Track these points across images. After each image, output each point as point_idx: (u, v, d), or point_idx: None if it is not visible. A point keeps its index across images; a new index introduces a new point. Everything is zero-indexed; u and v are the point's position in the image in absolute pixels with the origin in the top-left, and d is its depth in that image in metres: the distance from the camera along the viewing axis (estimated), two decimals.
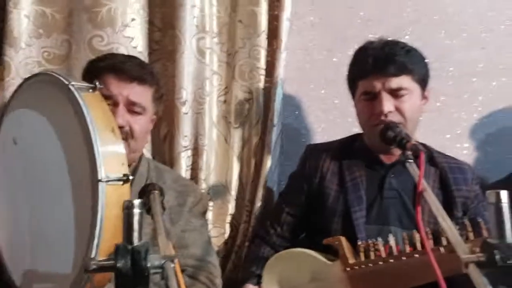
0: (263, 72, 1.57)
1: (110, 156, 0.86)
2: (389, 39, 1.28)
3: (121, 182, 0.84)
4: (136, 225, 0.66)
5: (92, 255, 0.80)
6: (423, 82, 1.26)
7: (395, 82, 1.21)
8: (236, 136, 1.58)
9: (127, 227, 0.66)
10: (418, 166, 0.99)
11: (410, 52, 1.24)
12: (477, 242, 1.01)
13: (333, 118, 1.78)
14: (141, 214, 0.66)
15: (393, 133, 1.15)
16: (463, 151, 1.72)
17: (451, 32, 1.83)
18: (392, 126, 1.17)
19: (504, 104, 1.82)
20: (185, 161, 1.50)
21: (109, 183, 0.83)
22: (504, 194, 0.73)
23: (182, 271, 1.19)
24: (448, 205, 1.22)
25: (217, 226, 1.54)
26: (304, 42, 1.78)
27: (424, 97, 1.28)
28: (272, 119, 1.54)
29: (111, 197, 0.83)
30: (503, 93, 1.82)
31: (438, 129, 1.70)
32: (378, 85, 1.22)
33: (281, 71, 1.56)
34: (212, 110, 1.56)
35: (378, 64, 1.21)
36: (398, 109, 1.21)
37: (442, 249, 1.04)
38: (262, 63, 1.56)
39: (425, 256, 1.03)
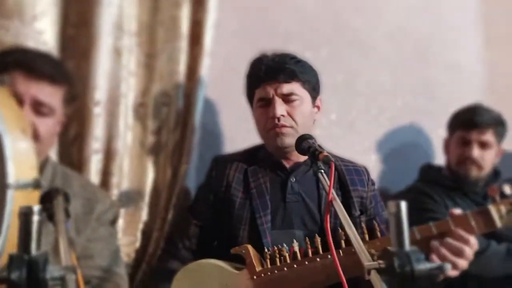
0: (183, 76, 1.54)
1: (20, 159, 0.78)
2: (280, 51, 1.35)
3: (31, 188, 0.78)
4: (34, 234, 0.60)
5: None
6: (313, 91, 1.33)
7: (286, 88, 1.28)
8: (153, 140, 1.53)
9: (24, 235, 0.61)
10: (328, 175, 1.04)
11: (300, 62, 1.32)
12: (373, 244, 1.10)
13: (252, 127, 1.81)
14: (40, 222, 0.61)
15: (307, 144, 1.19)
16: (370, 163, 1.83)
17: (362, 51, 1.95)
18: (307, 137, 1.22)
19: (407, 121, 1.97)
20: (95, 165, 1.42)
21: (19, 188, 0.76)
22: (403, 205, 0.78)
23: (87, 283, 1.12)
24: (346, 205, 1.28)
25: (128, 234, 1.47)
26: (226, 49, 1.79)
27: (315, 105, 1.36)
28: (192, 125, 1.52)
29: (20, 204, 0.76)
30: (407, 110, 1.98)
31: (349, 142, 1.80)
32: (271, 91, 1.28)
33: (203, 76, 1.55)
34: (128, 112, 1.50)
35: (270, 72, 1.29)
36: (290, 114, 1.28)
37: (341, 252, 1.11)
38: (182, 67, 1.54)
39: (326, 259, 1.12)
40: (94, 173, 1.42)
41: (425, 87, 2.02)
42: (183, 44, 1.53)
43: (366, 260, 0.82)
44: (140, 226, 1.50)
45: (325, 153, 1.11)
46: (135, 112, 1.53)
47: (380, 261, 0.79)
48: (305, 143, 1.21)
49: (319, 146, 1.18)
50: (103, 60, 1.43)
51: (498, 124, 1.57)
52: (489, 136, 1.56)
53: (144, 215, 1.51)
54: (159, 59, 1.53)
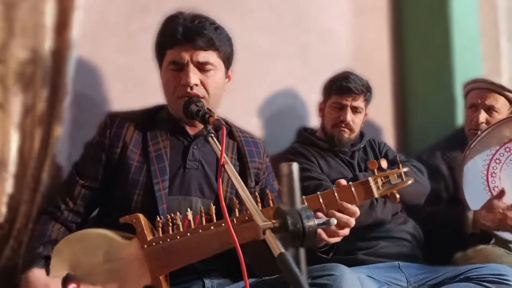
0: (50, 30, 1.38)
1: None
2: (196, 12, 1.28)
3: None
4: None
5: None
6: (228, 61, 1.31)
7: (203, 56, 1.24)
8: (16, 103, 1.36)
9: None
10: (220, 140, 1.04)
11: (218, 29, 1.27)
12: (266, 212, 1.12)
13: (130, 88, 1.70)
14: None
15: (196, 107, 1.17)
16: (251, 127, 1.88)
17: (240, 14, 1.94)
18: (195, 101, 1.19)
19: (285, 85, 2.05)
20: None
21: None
22: (295, 166, 0.82)
23: None
24: (244, 176, 1.31)
25: None
26: (99, 2, 1.63)
27: (227, 76, 1.34)
28: (64, 85, 1.38)
29: None
30: (287, 75, 2.05)
31: (231, 106, 1.81)
32: (186, 56, 1.23)
33: (73, 32, 1.40)
34: None
35: (187, 34, 1.22)
36: (203, 83, 1.24)
37: (235, 220, 1.12)
38: (49, 21, 1.37)
39: (220, 227, 1.12)
40: None
41: (300, 52, 2.11)
42: None
43: (261, 221, 0.85)
44: (5, 199, 1.35)
45: (216, 117, 1.11)
46: None
47: (274, 221, 0.82)
48: (193, 107, 1.18)
49: (208, 109, 1.17)
50: None
51: (368, 91, 1.73)
52: (360, 102, 1.72)
53: (8, 186, 1.36)
54: (21, 9, 1.34)
